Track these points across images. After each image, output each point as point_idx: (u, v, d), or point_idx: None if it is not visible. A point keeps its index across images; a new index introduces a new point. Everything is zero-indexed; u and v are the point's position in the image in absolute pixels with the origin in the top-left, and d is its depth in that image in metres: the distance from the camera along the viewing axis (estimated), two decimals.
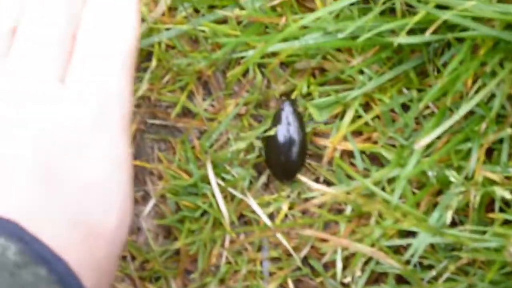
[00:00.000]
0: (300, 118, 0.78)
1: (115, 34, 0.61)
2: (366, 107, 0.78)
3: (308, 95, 0.80)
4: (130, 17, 0.62)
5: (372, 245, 0.73)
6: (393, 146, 0.77)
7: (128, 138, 0.60)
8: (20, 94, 0.56)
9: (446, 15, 0.65)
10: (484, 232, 0.68)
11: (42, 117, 0.55)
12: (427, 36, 0.68)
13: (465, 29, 0.70)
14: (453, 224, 0.74)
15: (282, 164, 0.78)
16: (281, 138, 0.78)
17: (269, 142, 0.78)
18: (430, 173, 0.71)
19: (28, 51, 0.58)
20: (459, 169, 0.72)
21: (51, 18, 0.60)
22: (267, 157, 0.79)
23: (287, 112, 0.78)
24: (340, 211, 0.78)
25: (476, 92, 0.71)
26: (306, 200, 0.79)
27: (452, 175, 0.70)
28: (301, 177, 0.78)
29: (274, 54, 0.78)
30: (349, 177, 0.77)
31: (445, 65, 0.74)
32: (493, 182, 0.71)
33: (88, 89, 0.57)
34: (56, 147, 0.55)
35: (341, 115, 0.79)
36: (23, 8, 0.61)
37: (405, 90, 0.77)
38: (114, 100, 0.59)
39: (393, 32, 0.74)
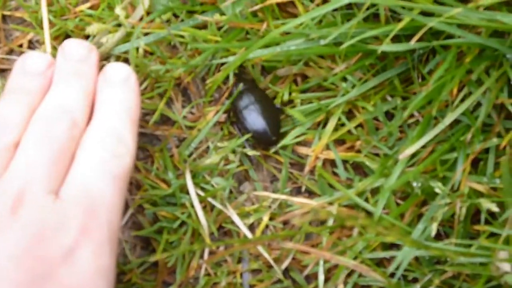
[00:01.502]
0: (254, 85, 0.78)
1: (111, 155, 0.65)
2: (349, 115, 0.77)
3: (290, 102, 0.78)
4: (127, 141, 0.66)
5: (355, 258, 0.71)
6: (377, 155, 0.76)
7: (114, 248, 0.63)
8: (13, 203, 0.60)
9: (432, 22, 0.64)
10: (470, 246, 0.66)
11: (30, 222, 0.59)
12: (412, 44, 0.66)
13: (450, 36, 0.69)
14: (438, 236, 0.72)
15: (261, 134, 0.77)
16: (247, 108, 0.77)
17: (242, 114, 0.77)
18: (414, 184, 0.70)
19: (26, 166, 0.62)
20: (444, 180, 0.71)
21: (53, 137, 0.63)
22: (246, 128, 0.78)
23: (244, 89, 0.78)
24: (322, 222, 0.76)
25: (462, 100, 0.70)
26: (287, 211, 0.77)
27: (437, 186, 0.69)
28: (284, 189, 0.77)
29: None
30: (332, 186, 0.76)
31: (430, 72, 0.73)
32: (479, 193, 0.70)
33: (78, 200, 0.61)
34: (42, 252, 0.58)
35: (324, 123, 0.77)
36: (28, 123, 0.65)
37: (389, 98, 0.76)
38: (103, 210, 0.62)
39: (376, 38, 0.72)
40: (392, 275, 0.71)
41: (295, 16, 0.77)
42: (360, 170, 0.77)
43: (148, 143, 0.80)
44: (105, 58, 0.77)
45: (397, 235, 0.62)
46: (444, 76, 0.69)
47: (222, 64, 0.78)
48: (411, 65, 0.74)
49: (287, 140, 0.77)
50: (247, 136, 0.77)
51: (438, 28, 0.66)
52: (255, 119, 0.76)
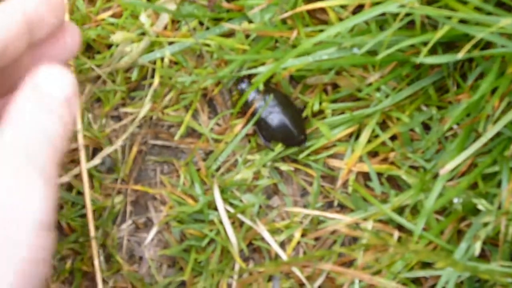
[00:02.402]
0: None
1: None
2: (383, 125, 0.74)
3: (320, 113, 0.75)
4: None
5: (393, 278, 0.68)
6: (412, 167, 0.73)
7: None
8: None
9: (481, 33, 0.60)
10: None
11: None
12: (458, 56, 0.63)
13: (488, 43, 0.66)
14: (482, 254, 0.69)
15: (288, 135, 0.74)
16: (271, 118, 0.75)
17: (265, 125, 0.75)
18: (455, 200, 0.67)
19: None
20: (486, 195, 0.68)
21: None
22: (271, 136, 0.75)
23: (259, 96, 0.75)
24: (357, 236, 0.73)
25: (503, 111, 0.67)
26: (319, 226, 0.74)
27: (480, 203, 0.66)
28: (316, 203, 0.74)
29: (285, 69, 0.73)
30: (366, 200, 0.73)
31: (464, 78, 0.70)
32: None
33: None
34: None
35: (356, 135, 0.74)
36: None
37: (423, 107, 0.73)
38: None
39: (412, 46, 0.69)
40: None
41: (325, 22, 0.74)
42: (394, 183, 0.74)
43: (173, 156, 0.77)
44: (128, 68, 0.74)
45: (440, 257, 0.59)
46: (486, 87, 0.65)
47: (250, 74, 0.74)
48: (446, 73, 0.71)
49: (319, 154, 0.75)
50: (278, 146, 0.74)
51: (479, 37, 0.62)
52: (279, 121, 0.74)
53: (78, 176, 0.75)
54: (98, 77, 0.76)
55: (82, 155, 0.72)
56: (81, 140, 0.73)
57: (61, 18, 0.61)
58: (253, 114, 0.74)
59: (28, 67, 0.60)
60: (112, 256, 0.76)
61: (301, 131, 0.74)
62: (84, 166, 0.72)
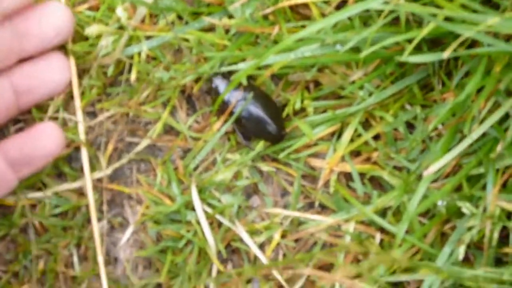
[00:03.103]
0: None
1: None
2: (366, 124, 0.73)
3: (302, 111, 0.74)
4: None
5: (375, 282, 0.67)
6: (396, 168, 0.71)
7: None
8: None
9: (468, 32, 0.58)
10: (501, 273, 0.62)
11: None
12: (439, 53, 0.61)
13: (474, 42, 0.65)
14: (465, 258, 0.67)
15: (266, 131, 0.72)
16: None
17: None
18: (439, 203, 0.65)
19: None
20: (470, 198, 0.66)
21: None
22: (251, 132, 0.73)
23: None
24: (338, 236, 0.71)
25: (489, 111, 0.65)
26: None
27: (465, 206, 0.64)
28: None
29: (266, 66, 0.71)
30: (348, 201, 0.71)
31: (450, 77, 0.69)
32: (508, 213, 0.65)
33: None
34: None
35: (338, 134, 0.73)
36: None
37: (407, 106, 0.72)
38: None
39: (397, 43, 0.67)
40: None
41: (308, 18, 0.72)
42: (376, 183, 0.73)
43: (150, 154, 0.75)
44: (105, 62, 0.72)
45: (423, 265, 0.58)
46: (472, 87, 0.64)
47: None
48: (431, 71, 0.70)
49: (299, 152, 0.73)
50: (259, 145, 0.72)
51: (465, 36, 0.61)
52: (258, 117, 0.72)
53: (50, 175, 0.73)
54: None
55: None
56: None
57: None
58: (232, 112, 0.72)
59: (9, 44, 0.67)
60: (86, 256, 0.74)
61: (280, 128, 0.72)
62: None
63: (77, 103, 0.72)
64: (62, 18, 0.69)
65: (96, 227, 0.72)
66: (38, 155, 0.69)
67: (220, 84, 0.72)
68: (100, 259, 0.72)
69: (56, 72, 0.70)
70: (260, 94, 0.72)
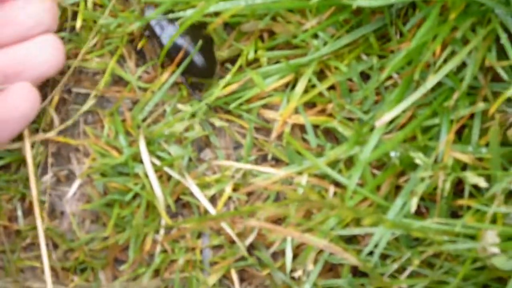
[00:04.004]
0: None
1: None
2: (321, 75, 0.70)
3: (255, 61, 0.71)
4: None
5: (326, 234, 0.65)
6: (351, 119, 0.69)
7: None
8: None
9: None
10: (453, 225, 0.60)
11: None
12: None
13: None
14: (418, 211, 0.66)
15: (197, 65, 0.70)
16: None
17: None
18: (392, 154, 0.63)
19: None
20: (425, 148, 0.64)
21: None
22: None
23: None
24: (291, 190, 0.69)
25: (445, 61, 0.63)
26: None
27: (418, 157, 0.62)
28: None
29: (217, 14, 0.69)
30: (301, 154, 0.69)
31: (409, 29, 0.67)
32: (462, 164, 0.63)
33: None
34: None
35: (292, 85, 0.71)
36: None
37: (364, 57, 0.70)
38: None
39: None
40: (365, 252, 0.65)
41: None
42: (331, 136, 0.71)
43: (97, 106, 0.73)
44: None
45: (373, 215, 0.56)
46: (426, 34, 0.62)
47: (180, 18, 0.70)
48: (388, 21, 0.67)
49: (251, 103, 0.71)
50: (211, 98, 0.70)
51: None
52: (186, 50, 0.70)
53: None
54: None
55: None
56: None
57: None
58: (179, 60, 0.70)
59: None
60: (31, 211, 0.72)
61: (209, 61, 0.70)
62: None
63: None
64: (42, 7, 0.67)
65: (34, 183, 0.71)
66: (15, 117, 0.67)
67: (163, 30, 0.70)
68: (38, 215, 0.70)
69: (46, 54, 0.68)
70: (195, 31, 0.70)
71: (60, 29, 0.72)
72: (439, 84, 0.65)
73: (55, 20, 0.68)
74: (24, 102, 0.67)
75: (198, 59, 0.69)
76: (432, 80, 0.62)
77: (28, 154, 0.70)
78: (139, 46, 0.71)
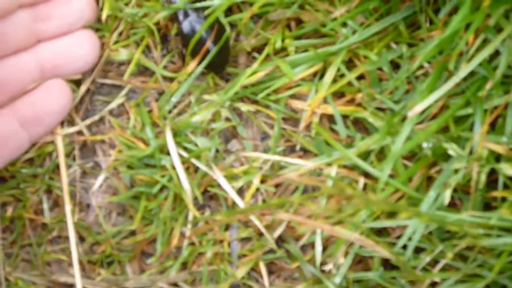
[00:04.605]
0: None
1: None
2: (349, 64, 0.69)
3: (283, 50, 0.70)
4: None
5: (357, 227, 0.64)
6: (380, 109, 0.68)
7: None
8: None
9: None
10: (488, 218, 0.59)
11: None
12: None
13: None
14: (452, 203, 0.65)
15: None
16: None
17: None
18: (425, 145, 0.62)
19: None
20: (458, 139, 0.63)
21: None
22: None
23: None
24: (320, 181, 0.68)
25: (477, 49, 0.62)
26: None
27: (451, 148, 0.61)
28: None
29: (244, 3, 0.69)
30: (330, 145, 0.68)
31: (438, 14, 0.65)
32: (496, 155, 0.62)
33: None
34: None
35: (321, 74, 0.70)
36: None
37: (393, 45, 0.68)
38: None
39: None
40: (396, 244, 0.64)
41: None
42: (360, 125, 0.70)
43: (123, 97, 0.72)
44: None
45: (404, 208, 0.55)
46: (460, 22, 0.61)
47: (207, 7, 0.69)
48: (418, 8, 0.66)
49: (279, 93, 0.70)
50: (237, 85, 0.69)
51: None
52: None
53: None
54: None
55: None
56: None
57: None
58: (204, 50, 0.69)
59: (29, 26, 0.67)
60: (58, 203, 0.72)
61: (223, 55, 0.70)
62: None
63: None
64: (85, 1, 0.69)
65: (65, 174, 0.70)
66: (50, 112, 0.69)
67: (186, 18, 0.69)
68: (68, 208, 0.70)
69: (83, 49, 0.69)
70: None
71: None
72: (472, 73, 0.63)
73: (95, 15, 0.69)
74: (59, 99, 0.68)
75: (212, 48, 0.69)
76: (465, 69, 0.61)
77: (60, 149, 0.70)
78: (173, 33, 0.70)
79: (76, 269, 0.69)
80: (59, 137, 0.70)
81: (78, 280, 0.70)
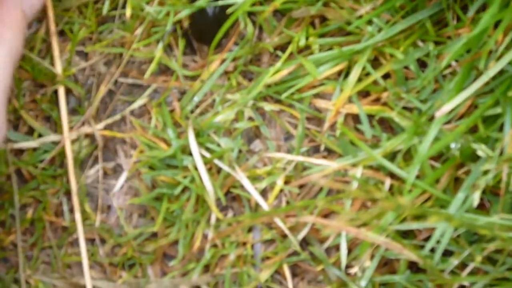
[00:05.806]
0: None
1: None
2: (375, 62, 0.68)
3: (307, 48, 0.69)
4: None
5: (383, 231, 0.63)
6: (407, 109, 0.67)
7: None
8: None
9: None
10: None
11: None
12: None
13: None
14: (481, 205, 0.64)
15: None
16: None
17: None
18: (453, 145, 0.61)
19: None
20: (487, 140, 0.62)
21: None
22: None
23: None
24: (345, 182, 0.68)
25: (507, 47, 0.61)
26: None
27: (480, 149, 0.60)
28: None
29: (267, 0, 0.68)
30: (355, 145, 0.67)
31: (465, 11, 0.65)
32: None
33: None
34: None
35: (346, 73, 0.69)
36: None
37: (420, 43, 0.67)
38: None
39: None
40: (425, 247, 0.63)
41: None
42: (386, 125, 0.69)
43: (146, 97, 0.72)
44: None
45: (439, 213, 0.54)
46: (489, 20, 0.59)
47: (230, 5, 0.68)
48: (445, 5, 0.65)
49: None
50: (260, 85, 0.68)
51: None
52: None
53: (38, 118, 0.71)
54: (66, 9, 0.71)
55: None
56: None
57: None
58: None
59: None
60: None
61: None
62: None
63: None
64: None
65: (73, 178, 0.70)
66: None
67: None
68: (78, 216, 0.70)
69: None
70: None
71: (106, 19, 0.72)
72: (501, 72, 0.62)
73: None
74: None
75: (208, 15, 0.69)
76: (494, 68, 0.60)
77: (68, 148, 0.70)
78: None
79: (86, 272, 0.69)
80: (67, 140, 0.70)
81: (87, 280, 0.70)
